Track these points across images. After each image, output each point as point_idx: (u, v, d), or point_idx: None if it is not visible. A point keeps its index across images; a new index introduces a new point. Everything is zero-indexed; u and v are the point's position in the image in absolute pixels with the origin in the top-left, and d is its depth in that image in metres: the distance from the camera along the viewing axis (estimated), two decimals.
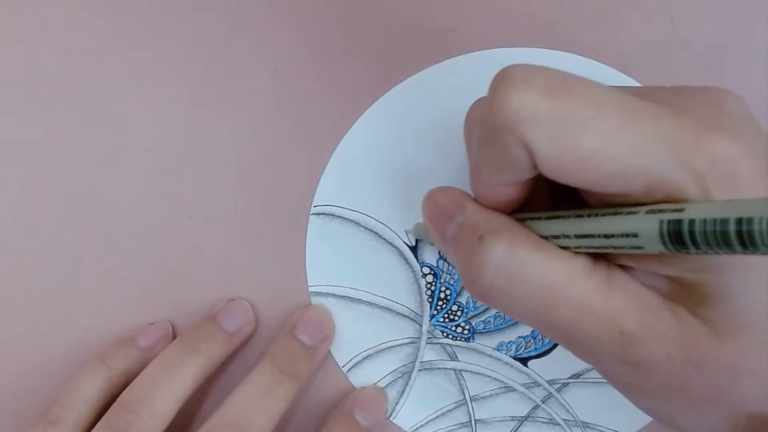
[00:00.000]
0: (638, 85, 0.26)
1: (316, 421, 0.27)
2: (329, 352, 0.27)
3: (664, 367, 0.18)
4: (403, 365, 0.27)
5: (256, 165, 0.27)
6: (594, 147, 0.16)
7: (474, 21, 0.27)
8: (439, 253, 0.27)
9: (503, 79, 0.16)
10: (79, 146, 0.28)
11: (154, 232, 0.27)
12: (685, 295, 0.18)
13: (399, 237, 0.27)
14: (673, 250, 0.15)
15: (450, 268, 0.27)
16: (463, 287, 0.27)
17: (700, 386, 0.18)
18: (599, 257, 0.18)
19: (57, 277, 0.28)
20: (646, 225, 0.16)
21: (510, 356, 0.27)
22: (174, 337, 0.27)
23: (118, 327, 0.28)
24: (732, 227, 0.13)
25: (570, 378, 0.26)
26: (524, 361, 0.27)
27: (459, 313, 0.27)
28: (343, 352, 0.27)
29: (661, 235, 0.15)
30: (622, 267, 0.18)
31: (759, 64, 0.26)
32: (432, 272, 0.27)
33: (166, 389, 0.24)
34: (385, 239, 0.27)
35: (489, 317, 0.27)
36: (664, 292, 0.18)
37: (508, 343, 0.27)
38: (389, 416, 0.27)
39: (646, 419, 0.26)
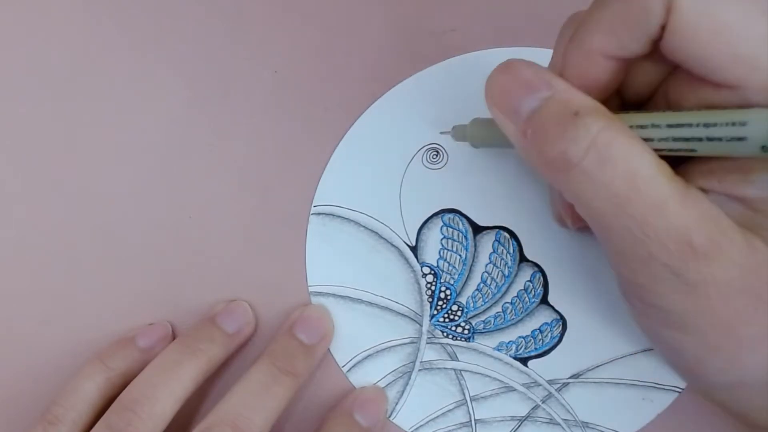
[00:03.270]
0: None
1: (315, 421, 0.27)
2: (329, 351, 0.27)
3: (721, 291, 0.17)
4: (403, 365, 0.27)
5: (256, 165, 0.27)
6: (736, 20, 0.15)
7: (474, 21, 0.27)
8: (440, 252, 0.27)
9: None
10: (79, 146, 0.28)
11: (154, 232, 0.27)
12: (762, 225, 0.17)
13: (399, 237, 0.27)
14: None
15: (450, 267, 0.27)
16: (463, 287, 0.27)
17: (752, 321, 0.17)
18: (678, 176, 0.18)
19: (57, 277, 0.28)
20: (759, 114, 0.15)
21: (510, 356, 0.27)
22: (174, 337, 0.27)
23: (118, 327, 0.28)
24: None
25: (570, 378, 0.26)
26: (524, 361, 0.27)
27: (459, 313, 0.27)
28: (343, 352, 0.27)
29: None
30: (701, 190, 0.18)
31: None
32: (432, 272, 0.27)
33: (165, 389, 0.24)
34: (385, 239, 0.27)
35: (489, 317, 0.27)
36: (740, 219, 0.18)
37: (508, 343, 0.27)
38: (389, 416, 0.27)
39: (646, 419, 0.26)
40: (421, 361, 0.27)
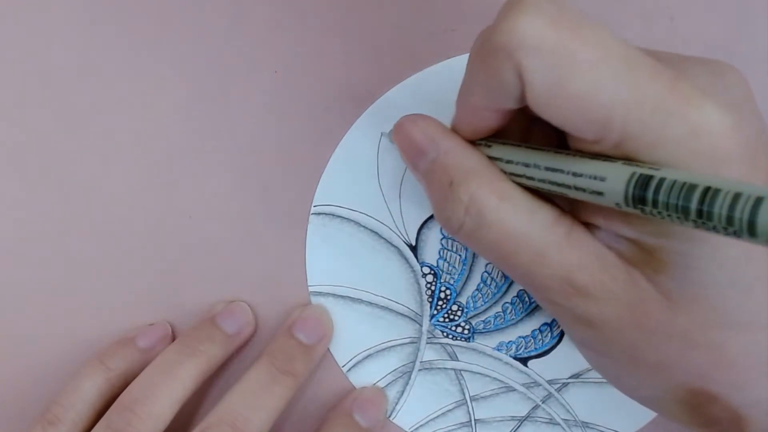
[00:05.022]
0: None
1: (315, 421, 0.27)
2: (329, 351, 0.27)
3: (613, 326, 0.18)
4: (403, 365, 0.27)
5: (256, 165, 0.27)
6: (584, 89, 0.16)
7: (474, 21, 0.27)
8: (440, 252, 0.27)
9: (517, 2, 0.16)
10: (79, 146, 0.28)
11: (153, 232, 0.27)
12: (644, 260, 0.18)
13: (399, 237, 0.27)
14: (630, 205, 0.15)
15: (450, 267, 0.27)
16: (462, 287, 0.27)
17: (648, 351, 0.18)
18: (565, 212, 0.19)
19: (57, 277, 0.28)
20: (617, 172, 0.16)
21: (510, 356, 0.27)
22: (174, 337, 0.27)
23: (118, 327, 0.28)
24: (696, 196, 0.14)
25: (570, 378, 0.26)
26: (524, 361, 0.27)
27: (459, 313, 0.27)
28: (343, 351, 0.27)
29: (627, 185, 0.15)
30: (588, 226, 0.19)
31: (759, 64, 0.26)
32: (432, 272, 0.27)
33: (165, 390, 0.24)
34: (385, 239, 0.27)
35: (489, 317, 0.27)
36: (624, 254, 0.18)
37: (508, 343, 0.27)
38: (389, 416, 0.27)
39: (646, 419, 0.26)
40: (421, 361, 0.27)
